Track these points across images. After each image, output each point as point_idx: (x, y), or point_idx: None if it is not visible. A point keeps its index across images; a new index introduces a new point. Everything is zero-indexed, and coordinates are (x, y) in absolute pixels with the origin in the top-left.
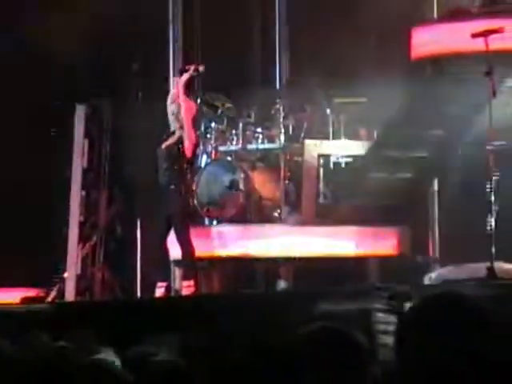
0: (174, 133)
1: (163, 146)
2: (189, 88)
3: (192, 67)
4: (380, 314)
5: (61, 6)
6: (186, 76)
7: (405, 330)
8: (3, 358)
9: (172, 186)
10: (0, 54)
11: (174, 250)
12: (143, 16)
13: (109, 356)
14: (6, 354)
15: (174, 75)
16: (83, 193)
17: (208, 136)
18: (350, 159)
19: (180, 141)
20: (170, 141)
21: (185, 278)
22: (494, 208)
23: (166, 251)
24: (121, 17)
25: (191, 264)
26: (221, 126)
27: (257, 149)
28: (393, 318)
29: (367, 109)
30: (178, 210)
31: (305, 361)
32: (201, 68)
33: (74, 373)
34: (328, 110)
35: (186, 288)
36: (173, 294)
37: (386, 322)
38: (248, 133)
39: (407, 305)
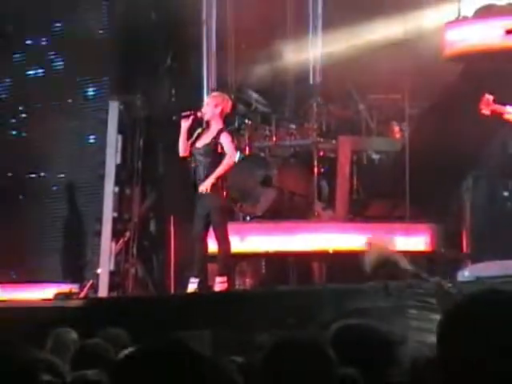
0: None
1: (198, 144)
2: (190, 133)
3: (192, 113)
4: (413, 311)
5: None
6: (186, 124)
7: (449, 327)
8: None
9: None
10: None
11: (210, 246)
12: (176, 13)
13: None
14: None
15: (207, 73)
16: (116, 189)
17: (241, 132)
18: (383, 155)
19: (217, 137)
20: (205, 137)
21: (219, 274)
22: None
23: (205, 247)
24: (154, 13)
25: (227, 260)
26: (254, 122)
27: (290, 145)
28: (427, 315)
29: (401, 105)
30: (217, 206)
31: (335, 357)
32: (199, 114)
33: None
34: (361, 106)
35: (220, 284)
36: (205, 290)
37: (418, 319)
38: (281, 129)
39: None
